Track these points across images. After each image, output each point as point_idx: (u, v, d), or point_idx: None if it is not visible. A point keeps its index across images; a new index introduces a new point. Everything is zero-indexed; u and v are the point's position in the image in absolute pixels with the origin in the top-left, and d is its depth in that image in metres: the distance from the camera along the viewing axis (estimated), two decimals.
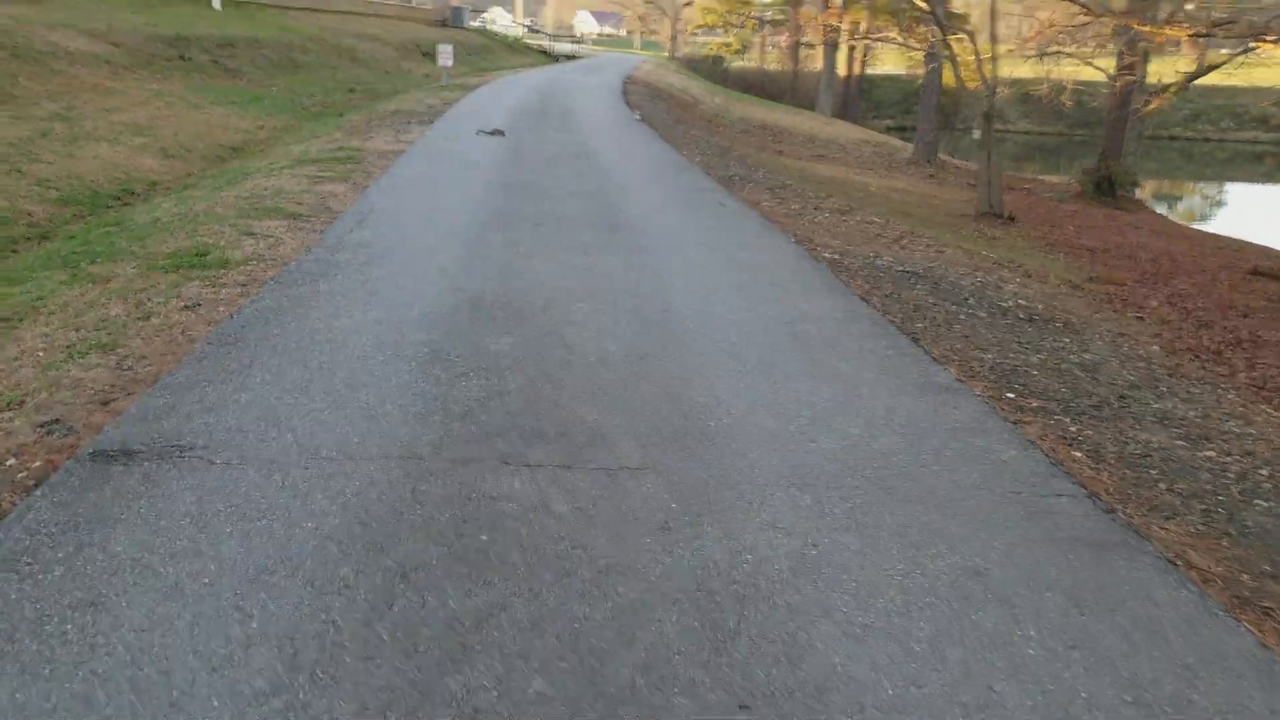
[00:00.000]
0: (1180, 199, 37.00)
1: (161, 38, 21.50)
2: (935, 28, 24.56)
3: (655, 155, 14.56)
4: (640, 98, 27.24)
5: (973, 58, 19.75)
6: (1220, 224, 27.57)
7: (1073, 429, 4.61)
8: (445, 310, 5.85)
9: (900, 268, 8.21)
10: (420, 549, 3.11)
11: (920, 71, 56.38)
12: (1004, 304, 7.56)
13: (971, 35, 21.11)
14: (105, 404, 4.32)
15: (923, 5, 22.56)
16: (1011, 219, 20.02)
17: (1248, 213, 31.22)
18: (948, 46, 21.51)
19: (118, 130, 13.79)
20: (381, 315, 5.68)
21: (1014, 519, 3.53)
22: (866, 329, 5.96)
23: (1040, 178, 33.05)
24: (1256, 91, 48.64)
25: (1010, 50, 24.26)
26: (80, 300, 5.96)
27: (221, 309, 5.73)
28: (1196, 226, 26.87)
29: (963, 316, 6.73)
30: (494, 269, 6.90)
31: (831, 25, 34.32)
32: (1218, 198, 37.55)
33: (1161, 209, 31.08)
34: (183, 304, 5.81)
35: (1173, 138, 49.08)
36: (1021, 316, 7.16)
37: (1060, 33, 23.88)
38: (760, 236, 8.76)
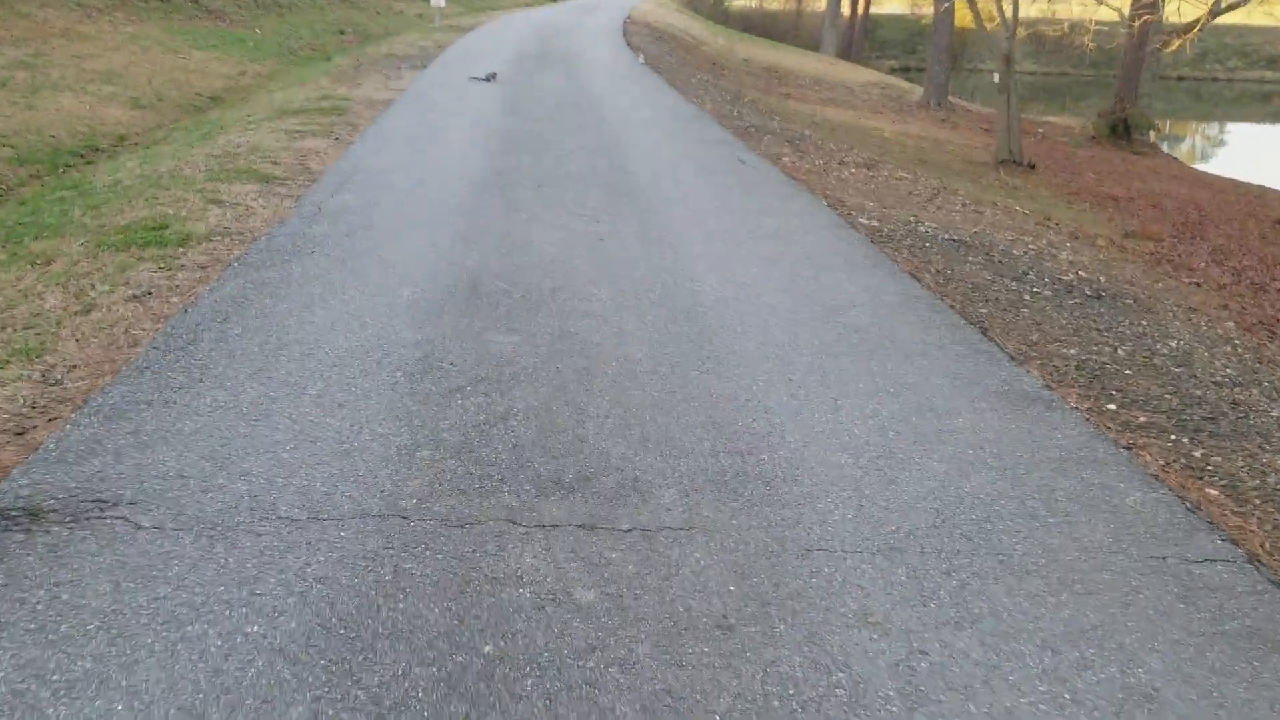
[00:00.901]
0: (1193, 141, 35.91)
1: None
2: None
3: (663, 102, 13.58)
4: (643, 39, 26.02)
5: None
6: (1235, 167, 26.55)
7: (1196, 454, 3.81)
8: (438, 296, 5.02)
9: (945, 234, 7.35)
10: (401, 672, 2.32)
11: (925, 11, 54.80)
12: (1064, 277, 6.72)
13: None
14: (20, 434, 3.51)
15: None
16: (1031, 166, 19.15)
17: (1262, 156, 30.14)
18: None
19: (86, 78, 12.79)
20: (363, 305, 4.85)
21: (1167, 602, 2.75)
22: (925, 316, 5.13)
23: (1049, 120, 31.96)
24: (1266, 31, 47.17)
25: None
26: (14, 288, 5.11)
27: (175, 300, 4.89)
28: (1213, 171, 25.86)
29: (1027, 297, 5.90)
30: (494, 241, 6.05)
31: None
32: (1230, 140, 36.42)
33: (1176, 152, 30.06)
34: (131, 293, 4.97)
35: (1180, 78, 47.67)
36: (1088, 293, 6.33)
37: None
38: (787, 200, 7.88)
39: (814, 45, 44.57)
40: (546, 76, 15.32)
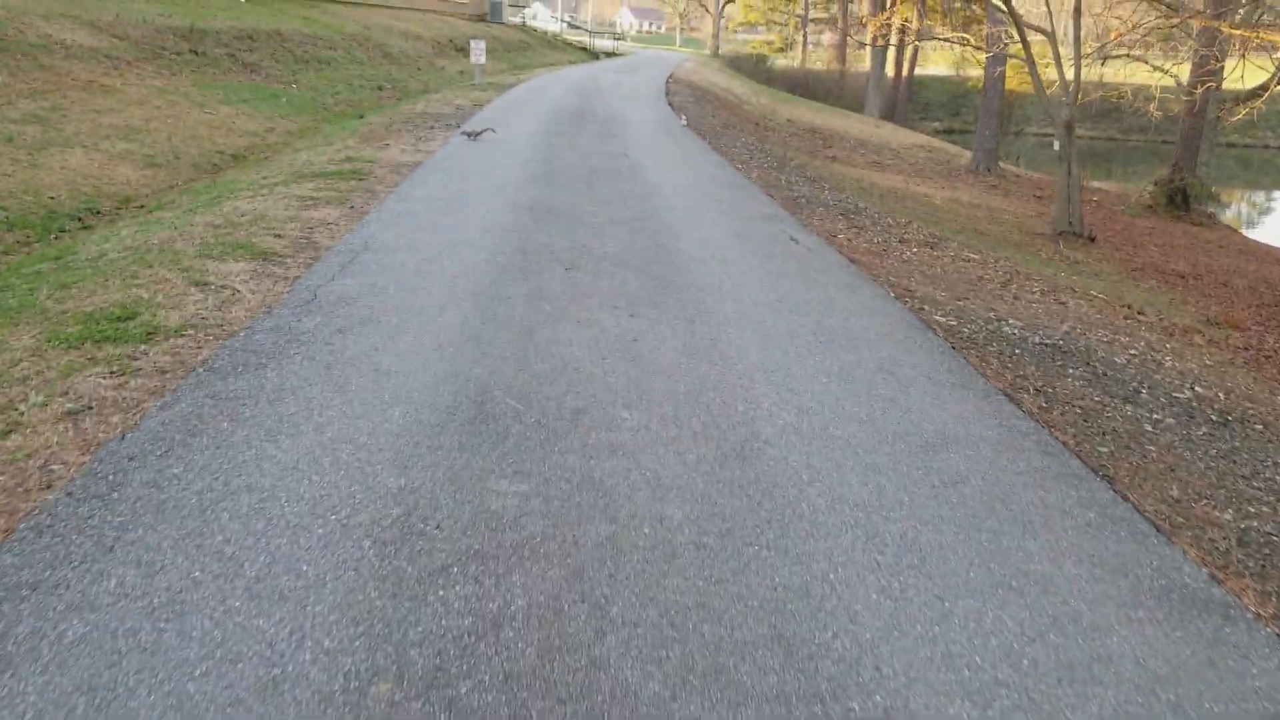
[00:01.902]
0: (1248, 211, 34.72)
1: (174, 29, 19.97)
2: (1006, 28, 22.61)
3: (707, 170, 12.74)
4: (685, 99, 25.41)
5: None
6: None
7: None
8: (436, 419, 4.10)
9: (1033, 336, 6.36)
10: None
11: (971, 73, 54.29)
12: (1179, 395, 5.70)
13: (1051, 36, 19.10)
14: None
15: (996, 3, 20.56)
16: (1092, 239, 18.19)
17: None
18: (1026, 48, 19.51)
19: (101, 134, 12.20)
20: (342, 432, 3.94)
21: None
22: (1037, 462, 4.12)
23: (1099, 185, 30.99)
24: None
25: (1089, 53, 22.18)
26: None
27: (115, 420, 4.00)
28: (1276, 244, 24.69)
29: (1148, 427, 4.88)
30: (511, 342, 5.14)
31: (889, 24, 32.37)
32: None
33: (1233, 222, 28.93)
34: (66, 408, 4.09)
35: (1229, 145, 46.50)
36: (1213, 419, 5.30)
37: (1145, 35, 21.95)
38: (851, 290, 6.92)
39: (857, 106, 44.01)
40: (584, 139, 14.58)
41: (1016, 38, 20.38)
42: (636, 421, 4.22)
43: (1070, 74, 17.79)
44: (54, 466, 3.59)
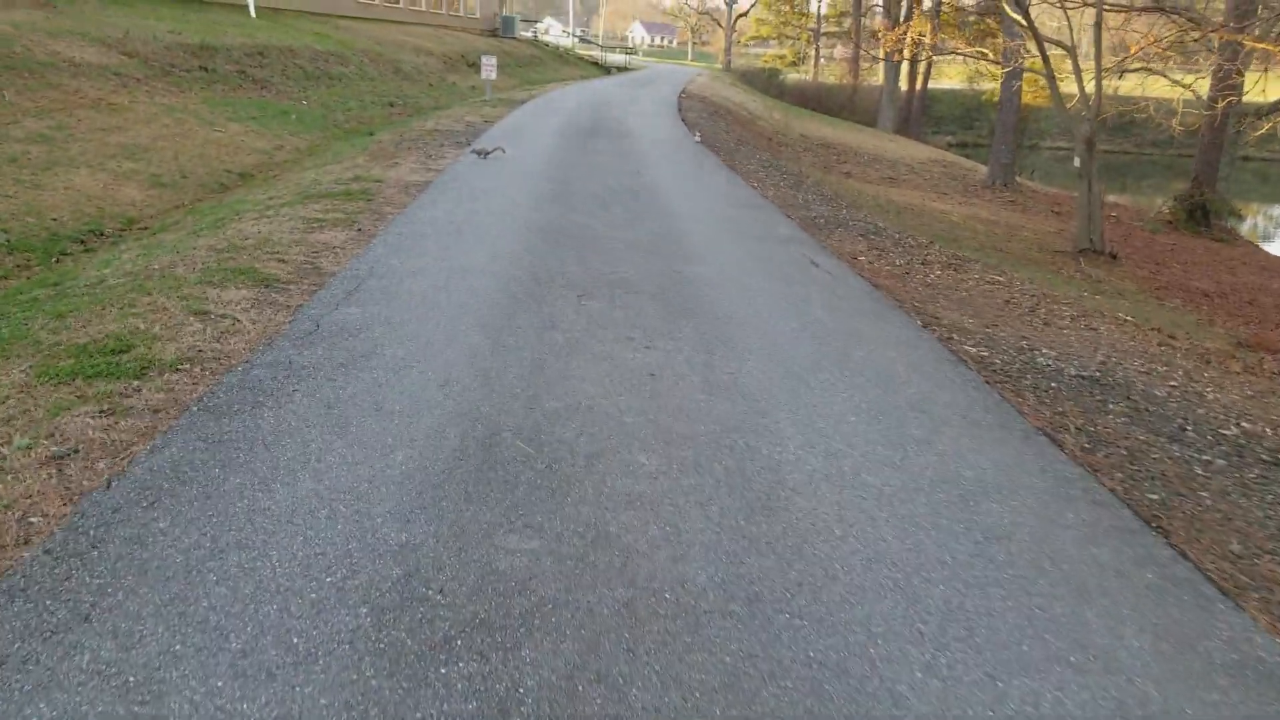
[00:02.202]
0: (1270, 226, 34.33)
1: (184, 46, 19.88)
2: (1023, 42, 22.35)
3: (722, 188, 12.50)
4: (698, 115, 25.22)
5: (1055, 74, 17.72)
6: None
7: None
8: (441, 464, 3.85)
9: (1069, 367, 6.07)
10: None
11: (984, 86, 54.00)
12: (1226, 431, 5.40)
13: (1071, 50, 18.83)
14: None
15: (1015, 17, 20.32)
16: (1113, 256, 17.88)
17: None
18: (1046, 63, 19.27)
19: (107, 154, 12.03)
20: (341, 480, 3.69)
21: None
22: (1085, 513, 3.84)
23: (1114, 200, 30.71)
24: None
25: (1109, 67, 21.92)
26: None
27: (102, 465, 3.77)
28: None
29: (1198, 470, 4.59)
30: (520, 376, 4.89)
31: (905, 38, 32.18)
32: None
33: (1253, 237, 28.58)
34: (52, 451, 3.86)
35: (1246, 158, 46.08)
36: (1265, 459, 5.00)
37: (1166, 49, 21.70)
38: (876, 318, 6.66)
39: (870, 120, 43.80)
40: (597, 156, 14.37)
41: (1034, 52, 20.15)
42: (654, 466, 3.96)
43: (1090, 88, 17.55)
44: (33, 519, 3.35)
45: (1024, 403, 5.12)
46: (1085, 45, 20.25)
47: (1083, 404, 5.28)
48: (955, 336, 6.34)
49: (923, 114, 51.32)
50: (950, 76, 59.12)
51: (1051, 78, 19.27)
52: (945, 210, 22.01)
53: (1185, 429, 5.21)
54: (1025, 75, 26.15)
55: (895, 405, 4.86)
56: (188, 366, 4.86)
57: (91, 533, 3.24)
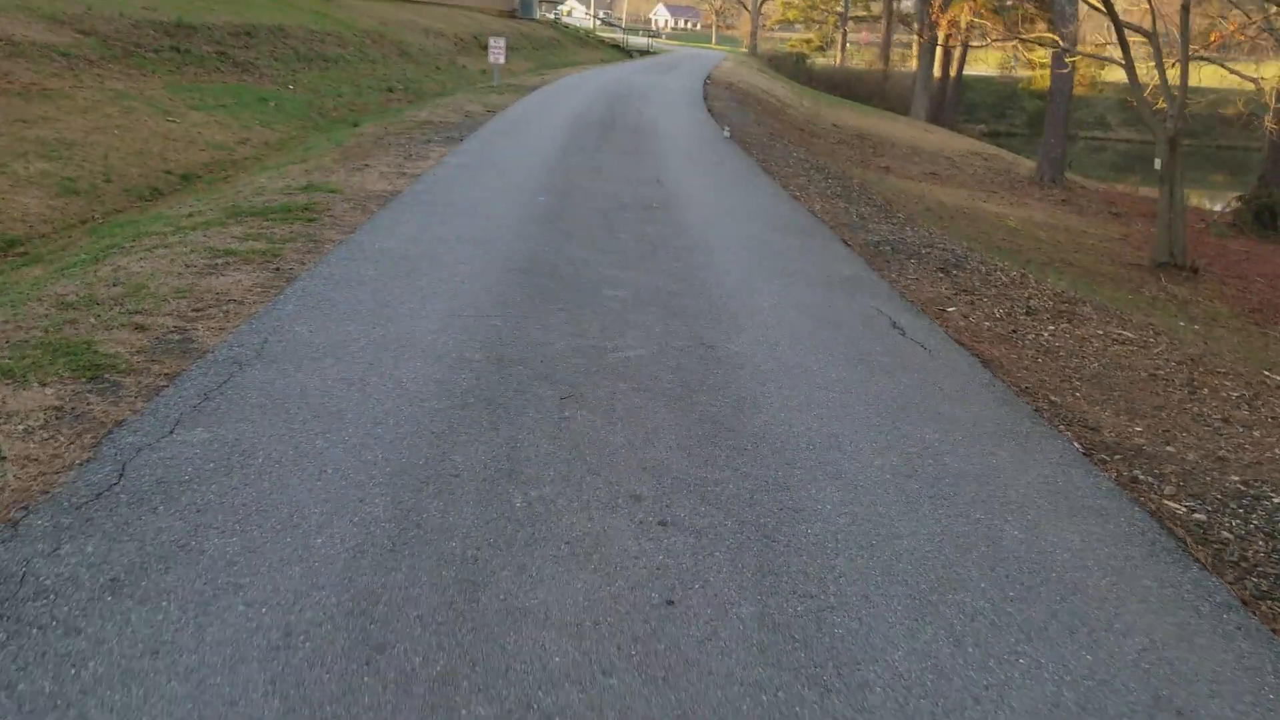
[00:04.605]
0: None
1: (156, 24, 17.75)
2: (1073, 28, 19.97)
3: (760, 201, 10.24)
4: (725, 104, 22.91)
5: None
6: None
7: None
8: None
9: None
10: None
11: (1020, 74, 51.25)
12: None
13: (1153, 36, 16.43)
14: None
15: (1094, 3, 17.85)
16: (1195, 270, 15.65)
17: None
18: (1125, 51, 16.91)
19: (18, 151, 9.91)
20: None
21: None
22: None
23: (1148, 196, 28.40)
24: None
25: (1193, 54, 19.48)
26: None
27: None
28: None
29: None
30: (434, 610, 2.70)
31: (954, 22, 29.79)
32: None
33: None
34: None
35: None
36: None
37: (1255, 38, 19.46)
38: (1010, 437, 4.40)
39: (901, 107, 41.41)
40: (609, 157, 12.12)
41: (1110, 39, 17.77)
42: None
43: (1173, 79, 15.22)
44: None
45: (1277, 615, 2.88)
46: (1168, 31, 17.88)
47: None
48: (1140, 476, 4.09)
49: (957, 102, 48.80)
50: (986, 63, 56.39)
51: (1130, 69, 16.91)
52: (999, 214, 19.75)
53: None
54: (1077, 63, 23.80)
55: (1108, 662, 2.63)
56: None
57: None
